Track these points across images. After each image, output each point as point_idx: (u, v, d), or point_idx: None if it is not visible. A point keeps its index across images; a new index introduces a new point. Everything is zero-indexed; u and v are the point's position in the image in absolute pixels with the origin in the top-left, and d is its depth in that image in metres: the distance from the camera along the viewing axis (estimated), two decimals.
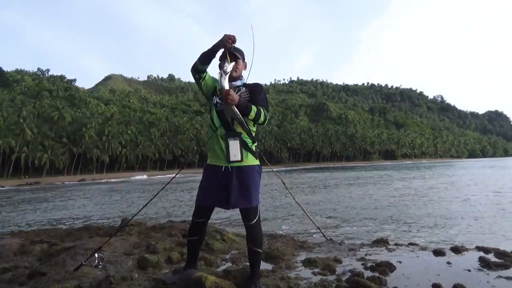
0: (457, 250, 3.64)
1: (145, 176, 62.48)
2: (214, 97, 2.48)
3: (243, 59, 2.53)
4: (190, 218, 2.63)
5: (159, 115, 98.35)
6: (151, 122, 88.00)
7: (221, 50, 2.45)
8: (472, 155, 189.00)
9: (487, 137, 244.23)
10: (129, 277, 2.72)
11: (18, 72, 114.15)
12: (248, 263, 2.75)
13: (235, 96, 2.25)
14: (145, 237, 4.47)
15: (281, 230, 7.62)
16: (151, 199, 3.37)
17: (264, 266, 3.02)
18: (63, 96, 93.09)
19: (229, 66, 2.30)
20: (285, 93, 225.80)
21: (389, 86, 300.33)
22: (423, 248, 3.85)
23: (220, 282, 2.33)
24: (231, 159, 2.35)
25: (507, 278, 2.71)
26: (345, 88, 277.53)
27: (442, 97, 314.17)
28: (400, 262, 3.21)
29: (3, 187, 47.64)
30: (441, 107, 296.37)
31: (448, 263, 3.17)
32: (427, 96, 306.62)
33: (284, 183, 4.75)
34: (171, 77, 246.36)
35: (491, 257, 3.34)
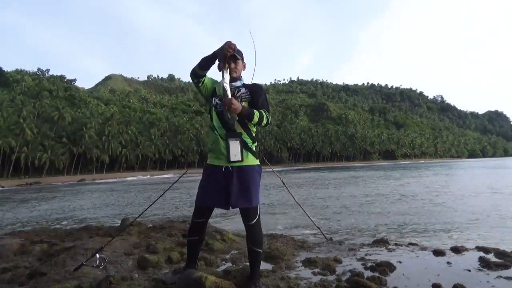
0: (457, 250, 3.64)
1: (140, 177, 62.28)
2: (214, 98, 2.49)
3: (242, 59, 2.54)
4: (190, 218, 2.63)
5: (159, 115, 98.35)
6: (151, 122, 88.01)
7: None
8: (472, 155, 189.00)
9: (487, 137, 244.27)
10: (129, 277, 2.72)
11: (18, 72, 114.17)
12: (248, 263, 2.75)
13: (237, 105, 2.26)
14: (145, 237, 4.48)
15: (281, 230, 7.62)
16: (156, 200, 3.38)
17: (264, 266, 3.02)
18: (63, 96, 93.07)
19: (227, 76, 2.33)
20: (285, 93, 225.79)
21: (389, 86, 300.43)
22: (423, 248, 3.85)
23: (220, 282, 2.33)
24: (232, 159, 2.35)
25: (507, 278, 2.71)
26: (345, 88, 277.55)
27: (442, 97, 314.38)
28: (400, 262, 3.21)
29: (3, 187, 47.63)
30: (441, 107, 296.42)
31: (448, 263, 3.17)
32: (427, 96, 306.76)
33: (284, 183, 4.75)
34: (171, 77, 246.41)
35: (491, 257, 3.34)
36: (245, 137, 2.43)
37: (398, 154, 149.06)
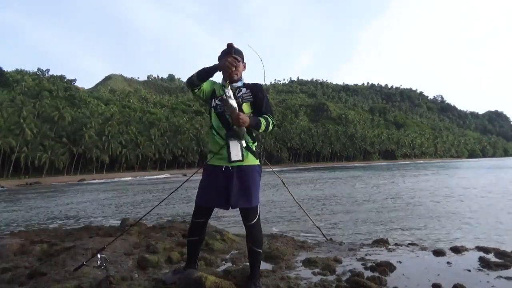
0: (457, 250, 3.63)
1: (130, 178, 62.15)
2: (213, 99, 2.49)
3: (243, 60, 2.54)
4: (190, 218, 2.63)
5: (159, 115, 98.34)
6: (151, 122, 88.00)
7: (223, 48, 2.47)
8: (472, 155, 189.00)
9: (487, 137, 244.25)
10: (129, 277, 2.72)
11: (18, 72, 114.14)
12: (248, 263, 2.75)
13: (245, 118, 2.29)
14: (145, 237, 4.48)
15: (281, 230, 7.63)
16: (162, 201, 3.37)
17: (264, 266, 3.02)
18: (63, 96, 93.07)
19: (230, 92, 2.32)
20: (285, 93, 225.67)
21: (389, 86, 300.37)
22: (423, 248, 3.85)
23: (220, 282, 2.33)
24: (232, 159, 2.35)
25: (507, 278, 2.71)
26: (345, 88, 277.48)
27: (442, 97, 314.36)
28: (400, 262, 3.21)
29: (3, 187, 47.64)
30: (441, 107, 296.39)
31: (448, 263, 3.17)
32: (427, 96, 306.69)
33: (284, 183, 4.75)
34: (171, 77, 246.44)
35: (491, 257, 3.33)
36: (245, 136, 2.43)
37: (398, 154, 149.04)
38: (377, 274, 2.80)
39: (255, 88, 2.51)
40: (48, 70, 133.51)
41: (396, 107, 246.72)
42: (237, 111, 2.29)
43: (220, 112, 2.44)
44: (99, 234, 4.85)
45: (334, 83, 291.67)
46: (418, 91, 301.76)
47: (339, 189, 23.07)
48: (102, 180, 57.29)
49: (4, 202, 24.96)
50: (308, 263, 3.20)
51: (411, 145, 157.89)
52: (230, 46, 2.43)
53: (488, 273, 2.86)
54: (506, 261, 3.14)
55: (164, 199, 3.37)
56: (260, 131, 2.42)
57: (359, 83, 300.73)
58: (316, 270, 2.98)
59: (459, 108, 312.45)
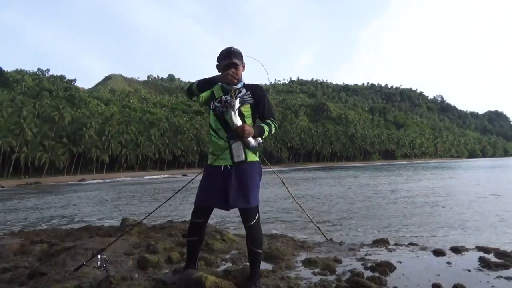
0: (457, 250, 3.63)
1: (129, 178, 62.15)
2: (212, 102, 2.49)
3: (242, 61, 2.52)
4: (190, 218, 2.63)
5: (159, 115, 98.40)
6: (151, 122, 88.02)
7: (225, 48, 2.49)
8: (472, 155, 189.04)
9: (487, 137, 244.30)
10: (129, 277, 2.72)
11: (18, 72, 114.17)
12: (248, 263, 2.75)
13: (250, 130, 2.31)
14: (145, 237, 4.48)
15: (281, 230, 7.63)
16: (165, 202, 3.37)
17: (264, 266, 3.02)
18: (63, 96, 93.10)
19: (236, 102, 2.33)
20: (285, 93, 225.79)
21: (389, 86, 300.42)
22: (423, 248, 3.85)
23: (220, 282, 2.33)
24: (235, 160, 2.38)
25: (507, 278, 2.71)
26: (345, 88, 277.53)
27: (442, 97, 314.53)
28: (400, 262, 3.21)
29: (3, 187, 47.63)
30: (441, 107, 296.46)
31: (448, 263, 3.17)
32: (427, 96, 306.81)
33: (284, 183, 4.75)
34: (171, 77, 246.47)
35: (491, 257, 3.33)
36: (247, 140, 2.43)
37: (398, 154, 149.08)
38: (377, 274, 2.80)
39: (255, 90, 2.50)
40: (48, 70, 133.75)
41: (396, 107, 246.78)
42: (241, 123, 2.30)
43: (219, 113, 2.44)
44: (99, 234, 4.84)
45: (334, 83, 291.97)
46: (418, 91, 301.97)
47: (340, 190, 23.08)
48: (102, 180, 57.33)
49: (4, 202, 24.96)
50: (308, 263, 3.19)
51: (411, 145, 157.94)
52: (229, 52, 2.44)
53: (488, 273, 2.86)
54: (506, 261, 3.14)
55: (166, 200, 3.37)
56: (263, 137, 2.45)
57: (359, 83, 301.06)
58: (316, 270, 2.98)
59: (459, 108, 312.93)
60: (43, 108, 70.96)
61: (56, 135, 67.34)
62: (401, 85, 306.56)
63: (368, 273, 2.85)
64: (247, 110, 2.44)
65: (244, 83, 2.54)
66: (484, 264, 3.08)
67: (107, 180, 56.44)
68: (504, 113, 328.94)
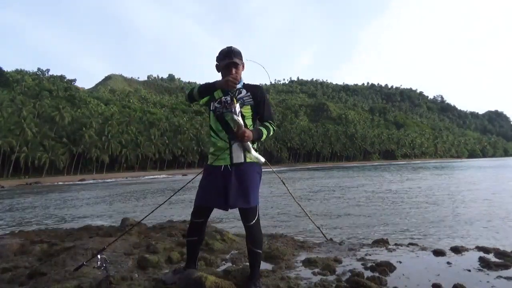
0: (457, 250, 3.63)
1: (128, 178, 62.03)
2: (212, 103, 2.48)
3: (241, 61, 2.51)
4: (190, 218, 2.62)
5: (159, 115, 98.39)
6: (151, 122, 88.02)
7: (226, 48, 2.48)
8: (472, 155, 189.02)
9: (487, 137, 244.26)
10: (129, 277, 2.72)
11: (18, 72, 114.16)
12: (248, 263, 2.75)
13: (250, 134, 2.33)
14: (145, 237, 4.48)
15: (281, 230, 7.62)
16: (164, 202, 3.37)
17: (264, 266, 3.02)
18: (63, 96, 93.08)
19: (237, 106, 2.33)
20: (285, 93, 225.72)
21: (389, 86, 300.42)
22: (423, 248, 3.85)
23: (220, 282, 2.33)
24: (234, 161, 2.38)
25: (507, 278, 2.71)
26: (345, 88, 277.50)
27: (442, 97, 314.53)
28: (400, 262, 3.21)
29: (3, 187, 47.61)
30: (441, 107, 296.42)
31: (448, 263, 3.17)
32: (427, 96, 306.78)
33: (284, 183, 4.74)
34: (171, 77, 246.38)
35: (491, 257, 3.33)
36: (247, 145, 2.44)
37: (398, 154, 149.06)
38: (377, 274, 2.80)
39: (255, 91, 2.49)
40: (48, 70, 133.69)
41: (396, 107, 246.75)
42: (243, 128, 2.31)
43: (219, 114, 2.44)
44: (99, 234, 4.85)
45: (334, 83, 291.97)
46: (418, 91, 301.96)
47: (340, 190, 23.09)
48: (102, 180, 57.33)
49: (4, 202, 24.96)
50: (308, 263, 3.19)
51: (411, 145, 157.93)
52: (230, 51, 2.43)
53: (488, 273, 2.86)
54: (506, 261, 3.14)
55: (166, 200, 3.37)
56: (262, 140, 2.48)
57: (359, 83, 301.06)
58: (316, 270, 2.98)
59: (459, 108, 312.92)
60: (43, 108, 70.95)
61: (56, 135, 67.33)
62: (401, 85, 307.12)
63: (368, 273, 2.85)
64: (247, 111, 2.44)
65: (244, 83, 2.53)
66: (484, 264, 3.08)
67: (107, 180, 56.45)
68: (504, 113, 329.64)
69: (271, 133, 2.51)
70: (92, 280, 2.61)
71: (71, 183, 53.14)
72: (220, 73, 2.51)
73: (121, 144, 74.66)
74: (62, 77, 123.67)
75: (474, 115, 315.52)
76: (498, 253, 3.47)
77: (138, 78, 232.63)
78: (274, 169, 5.08)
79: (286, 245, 4.05)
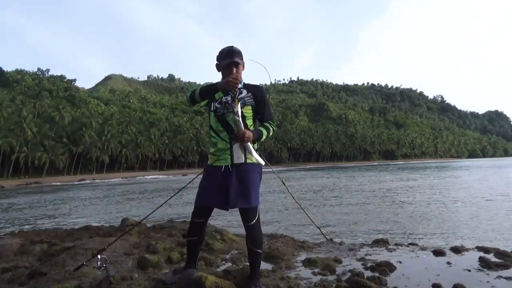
0: (457, 250, 3.63)
1: (124, 178, 61.94)
2: (213, 103, 2.48)
3: (242, 60, 2.51)
4: (190, 218, 2.63)
5: (159, 115, 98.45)
6: (151, 122, 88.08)
7: (227, 48, 2.48)
8: (472, 155, 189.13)
9: (487, 137, 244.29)
10: (129, 277, 2.72)
11: (18, 72, 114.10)
12: (248, 263, 2.75)
13: (250, 135, 2.32)
14: (145, 237, 4.48)
15: (281, 230, 7.62)
16: (165, 202, 3.37)
17: (264, 266, 3.02)
18: (63, 96, 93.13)
19: (238, 107, 2.32)
20: (285, 93, 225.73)
21: (389, 86, 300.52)
22: (423, 248, 3.85)
23: (220, 282, 2.33)
24: (235, 162, 2.38)
25: (507, 278, 2.71)
26: (345, 88, 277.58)
27: (442, 97, 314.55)
28: (400, 262, 3.21)
29: (3, 187, 47.62)
30: (441, 107, 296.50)
31: (448, 263, 3.17)
32: (427, 96, 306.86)
33: (284, 183, 4.75)
34: (171, 77, 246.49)
35: (491, 257, 3.33)
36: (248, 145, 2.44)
37: (398, 154, 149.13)
38: (377, 274, 2.80)
39: (256, 91, 2.49)
40: (48, 70, 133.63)
41: (396, 107, 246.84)
42: (243, 129, 2.30)
43: (219, 115, 2.43)
44: (99, 234, 4.85)
45: (334, 83, 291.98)
46: (418, 91, 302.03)
47: (340, 190, 23.09)
48: (102, 180, 57.34)
49: (4, 202, 24.96)
50: (308, 263, 3.19)
51: (411, 145, 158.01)
52: (231, 50, 2.43)
53: (488, 273, 2.86)
54: (506, 261, 3.14)
55: (166, 200, 3.37)
56: (261, 140, 2.47)
57: (359, 83, 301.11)
58: (316, 270, 2.98)
59: (459, 108, 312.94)
60: (43, 108, 70.97)
61: (56, 135, 67.37)
62: (401, 85, 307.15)
63: (368, 273, 2.85)
64: (248, 111, 2.44)
65: (244, 83, 2.53)
66: (484, 264, 3.07)
67: (107, 180, 56.46)
68: (504, 113, 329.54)
69: (271, 134, 2.51)
70: (92, 280, 2.61)
71: (71, 183, 53.14)
72: (220, 72, 2.51)
73: (121, 144, 74.72)
74: (62, 77, 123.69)
75: (474, 115, 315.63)
76: (498, 253, 3.47)
77: (138, 78, 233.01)
78: (274, 169, 5.08)
79: (286, 245, 4.05)
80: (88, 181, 56.33)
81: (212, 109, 2.47)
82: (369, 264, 3.11)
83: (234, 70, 2.41)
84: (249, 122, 2.44)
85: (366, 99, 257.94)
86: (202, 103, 2.55)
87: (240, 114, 2.31)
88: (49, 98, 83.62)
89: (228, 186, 2.35)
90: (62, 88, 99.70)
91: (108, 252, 3.37)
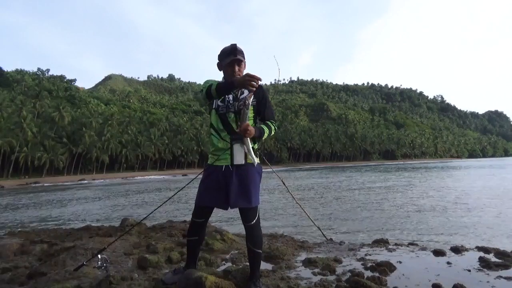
0: (457, 250, 3.63)
1: (124, 178, 61.87)
2: (215, 100, 2.46)
3: (244, 58, 2.51)
4: (190, 218, 2.62)
5: (159, 115, 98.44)
6: (151, 122, 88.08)
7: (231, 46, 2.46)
8: (472, 155, 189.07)
9: (487, 137, 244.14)
10: (129, 277, 2.72)
11: (18, 72, 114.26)
12: (248, 263, 2.75)
13: (252, 130, 2.27)
14: (145, 237, 4.48)
15: (281, 230, 7.62)
16: (165, 202, 3.37)
17: (264, 266, 3.02)
18: (63, 96, 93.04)
19: (251, 100, 2.29)
20: (285, 93, 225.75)
21: (389, 86, 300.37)
22: (423, 248, 3.85)
23: (220, 282, 2.33)
24: (235, 162, 2.37)
25: (507, 278, 2.71)
26: (345, 88, 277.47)
27: (442, 97, 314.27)
28: (400, 262, 3.21)
29: (3, 187, 47.60)
30: (441, 107, 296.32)
31: (448, 263, 3.17)
32: (427, 96, 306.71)
33: (284, 183, 4.74)
34: (171, 77, 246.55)
35: (491, 257, 3.33)
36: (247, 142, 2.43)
37: (398, 154, 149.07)
38: (377, 274, 2.80)
39: (257, 91, 2.46)
40: (48, 70, 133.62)
41: (396, 107, 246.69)
42: (247, 122, 2.28)
43: (222, 113, 2.42)
44: (99, 234, 4.85)
45: (334, 83, 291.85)
46: (418, 91, 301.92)
47: (339, 190, 23.09)
48: (102, 180, 57.34)
49: (4, 202, 24.95)
50: (308, 263, 3.20)
51: (411, 145, 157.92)
52: (234, 48, 2.40)
53: (488, 273, 2.86)
54: (506, 261, 3.14)
55: (166, 200, 3.37)
56: (262, 139, 2.44)
57: (359, 83, 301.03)
58: (316, 270, 2.98)
59: (459, 108, 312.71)
60: (43, 108, 70.87)
61: (56, 135, 67.30)
62: (401, 85, 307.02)
63: (368, 273, 2.86)
64: (250, 111, 2.44)
65: None
66: (484, 264, 3.08)
67: (107, 180, 56.44)
68: (504, 113, 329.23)
69: (273, 132, 2.48)
70: (92, 280, 2.61)
71: (71, 183, 53.13)
72: (222, 71, 2.50)
73: (121, 144, 74.70)
74: (62, 77, 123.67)
75: (474, 115, 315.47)
76: (498, 253, 3.47)
77: (138, 78, 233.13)
78: (274, 169, 5.08)
79: (286, 245, 4.06)
80: (88, 181, 56.31)
81: (214, 107, 2.46)
82: (369, 264, 3.11)
83: (236, 68, 2.41)
84: (250, 122, 2.44)
85: (366, 99, 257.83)
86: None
87: (249, 107, 2.30)
88: (49, 98, 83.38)
89: (229, 186, 2.35)
90: (62, 88, 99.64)
91: (108, 252, 3.37)
